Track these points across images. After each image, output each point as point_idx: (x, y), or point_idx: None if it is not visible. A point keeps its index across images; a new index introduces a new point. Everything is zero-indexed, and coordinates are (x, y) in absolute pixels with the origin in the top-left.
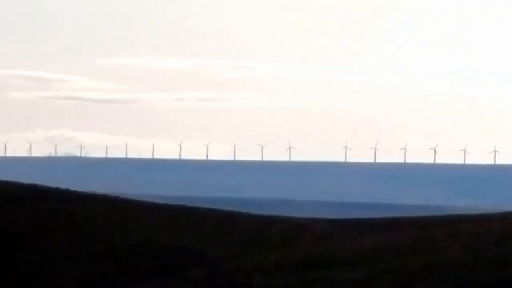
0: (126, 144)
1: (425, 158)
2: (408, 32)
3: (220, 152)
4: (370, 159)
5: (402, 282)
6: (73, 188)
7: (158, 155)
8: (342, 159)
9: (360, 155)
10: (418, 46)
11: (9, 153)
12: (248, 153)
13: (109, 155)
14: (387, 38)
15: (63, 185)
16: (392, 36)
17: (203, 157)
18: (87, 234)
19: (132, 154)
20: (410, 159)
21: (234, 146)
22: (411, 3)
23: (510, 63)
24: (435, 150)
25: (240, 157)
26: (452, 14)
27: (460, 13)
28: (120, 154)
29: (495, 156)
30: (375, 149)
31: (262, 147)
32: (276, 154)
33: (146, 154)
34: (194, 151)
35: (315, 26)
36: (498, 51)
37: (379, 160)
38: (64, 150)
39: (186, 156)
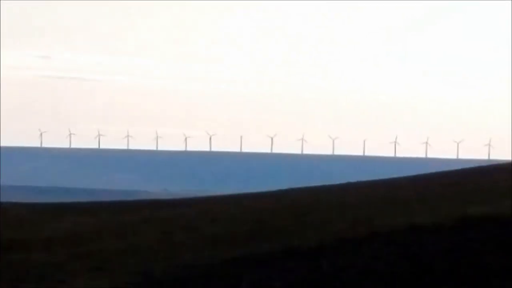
0: None
1: (119, 144)
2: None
3: None
4: (65, 145)
5: (98, 264)
6: None
7: None
8: (38, 144)
9: (55, 140)
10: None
11: None
12: None
13: None
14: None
15: None
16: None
17: None
18: None
19: None
20: (104, 145)
21: None
22: None
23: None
24: (128, 136)
25: None
26: None
27: None
28: None
29: (210, 143)
30: (71, 134)
31: None
32: None
33: None
34: None
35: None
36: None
37: (74, 145)
38: None
39: None
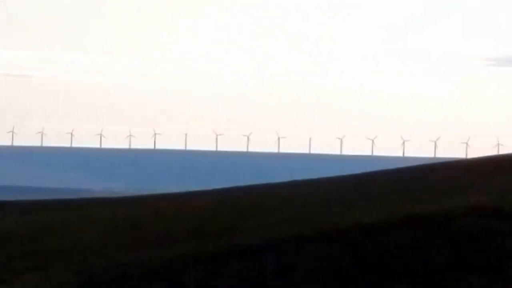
0: None
1: (62, 142)
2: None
3: None
4: (7, 143)
5: (40, 264)
6: None
7: None
8: None
9: None
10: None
11: None
12: None
13: None
14: None
15: None
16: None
17: None
18: None
19: None
20: (47, 143)
21: None
22: None
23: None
24: (71, 134)
25: None
26: None
27: None
28: None
29: (155, 140)
30: (13, 132)
31: None
32: None
33: None
34: None
35: None
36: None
37: (17, 143)
38: None
39: None
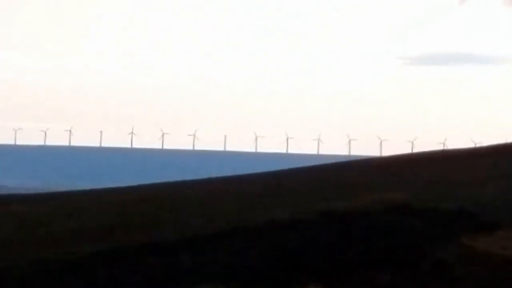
0: None
1: None
2: None
3: None
4: None
5: None
6: None
7: None
8: None
9: None
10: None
11: None
12: None
13: None
14: None
15: None
16: None
17: None
18: None
19: None
20: None
21: None
22: None
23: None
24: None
25: None
26: None
27: None
28: None
29: (70, 137)
30: None
31: None
32: None
33: None
34: None
35: None
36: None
37: None
38: None
39: None
